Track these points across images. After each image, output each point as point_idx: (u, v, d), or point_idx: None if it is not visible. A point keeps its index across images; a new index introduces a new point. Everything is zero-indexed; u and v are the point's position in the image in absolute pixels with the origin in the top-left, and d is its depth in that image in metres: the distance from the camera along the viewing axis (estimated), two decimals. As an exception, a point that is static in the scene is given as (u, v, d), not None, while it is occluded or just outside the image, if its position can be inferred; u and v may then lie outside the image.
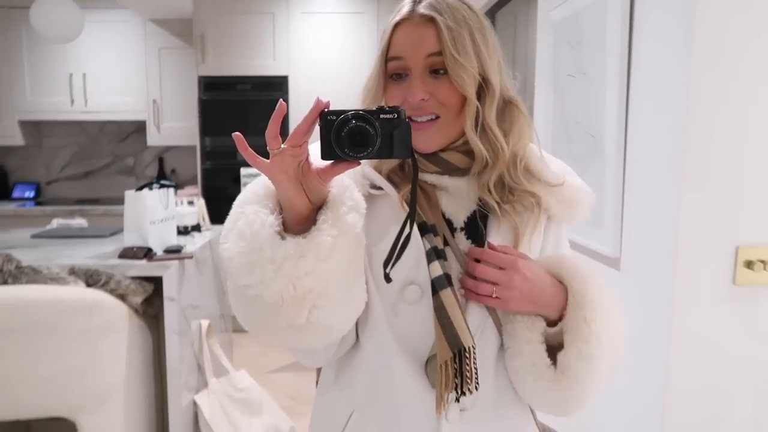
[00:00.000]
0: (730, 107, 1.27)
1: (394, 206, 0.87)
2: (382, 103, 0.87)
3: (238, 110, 3.96)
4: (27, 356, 1.82)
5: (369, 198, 0.86)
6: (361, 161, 0.72)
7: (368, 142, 0.70)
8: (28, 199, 4.47)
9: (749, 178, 1.29)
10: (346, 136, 0.70)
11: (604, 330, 0.83)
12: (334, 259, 0.74)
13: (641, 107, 1.46)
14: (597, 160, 1.62)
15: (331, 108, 0.71)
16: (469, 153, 0.88)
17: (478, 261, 0.84)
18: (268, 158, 0.71)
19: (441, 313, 0.81)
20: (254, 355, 3.50)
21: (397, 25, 0.85)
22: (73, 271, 1.99)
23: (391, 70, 0.86)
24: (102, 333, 1.90)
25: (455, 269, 0.86)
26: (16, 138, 4.30)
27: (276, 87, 3.98)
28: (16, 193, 4.50)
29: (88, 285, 1.98)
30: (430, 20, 0.83)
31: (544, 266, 0.87)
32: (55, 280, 1.90)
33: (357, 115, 0.70)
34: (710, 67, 1.26)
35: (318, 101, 0.70)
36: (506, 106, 0.88)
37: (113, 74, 4.27)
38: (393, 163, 0.88)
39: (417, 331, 0.85)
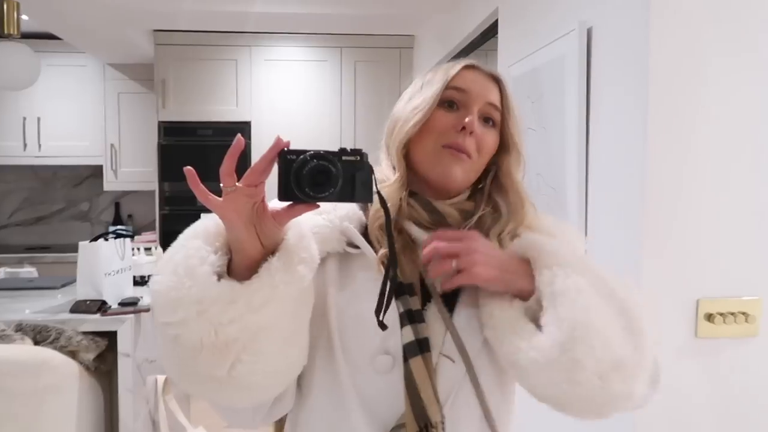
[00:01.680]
0: (689, 159, 1.31)
1: (370, 267, 0.83)
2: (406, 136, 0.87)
3: (199, 155, 3.90)
4: (-34, 421, 1.70)
5: (344, 256, 0.84)
6: (319, 204, 0.69)
7: (330, 182, 0.67)
8: (-26, 246, 4.28)
9: (708, 232, 1.32)
10: (307, 175, 0.67)
11: (580, 277, 0.75)
12: (267, 311, 0.69)
13: (600, 160, 1.49)
14: (558, 213, 1.65)
15: (291, 147, 0.68)
16: (465, 212, 0.88)
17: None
18: (221, 196, 0.68)
19: (409, 384, 0.78)
20: (212, 410, 3.36)
21: (467, 67, 0.89)
22: (20, 328, 1.88)
23: (448, 96, 0.87)
24: (49, 394, 1.79)
25: (437, 331, 0.82)
26: (-37, 183, 4.14)
27: (239, 132, 3.95)
28: (-39, 240, 4.31)
29: (36, 342, 1.87)
30: (495, 79, 0.90)
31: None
32: (0, 338, 1.79)
33: (318, 154, 0.67)
34: (667, 120, 1.30)
35: (278, 140, 0.67)
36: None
37: (69, 118, 4.18)
38: (392, 192, 0.85)
39: (386, 400, 0.81)
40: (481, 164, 0.88)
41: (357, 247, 0.84)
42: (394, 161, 0.89)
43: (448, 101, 0.87)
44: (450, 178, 0.86)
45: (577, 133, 1.54)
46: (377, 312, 0.76)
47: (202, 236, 0.73)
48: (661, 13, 1.29)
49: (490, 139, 0.87)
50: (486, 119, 0.88)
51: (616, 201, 1.43)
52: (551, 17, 1.79)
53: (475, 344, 0.83)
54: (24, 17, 2.70)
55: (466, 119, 0.84)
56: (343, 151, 0.69)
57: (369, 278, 0.82)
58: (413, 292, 0.83)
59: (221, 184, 0.66)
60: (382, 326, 0.76)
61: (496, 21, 2.34)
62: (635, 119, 1.34)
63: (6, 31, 2.48)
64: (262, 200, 0.69)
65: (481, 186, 0.92)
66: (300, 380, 0.87)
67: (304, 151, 0.68)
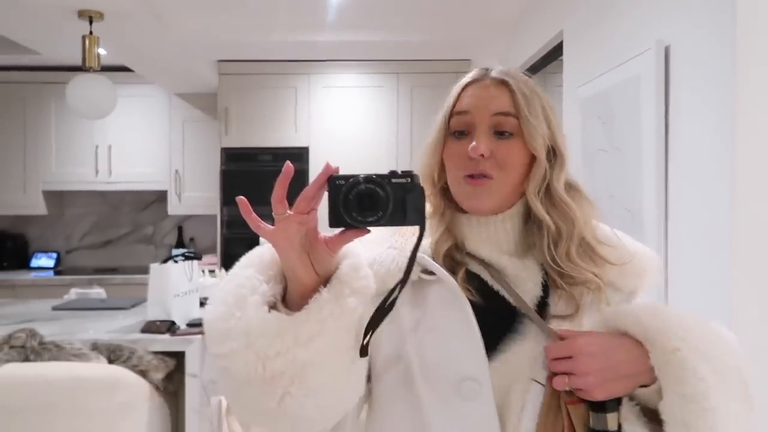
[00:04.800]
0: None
1: (448, 293, 0.81)
2: (434, 164, 0.86)
3: (259, 180, 3.99)
4: (44, 437, 1.75)
5: (419, 283, 0.82)
6: (370, 228, 0.68)
7: (378, 205, 0.66)
8: (46, 268, 4.47)
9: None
10: (354, 199, 0.66)
11: (700, 354, 0.73)
12: (315, 345, 0.68)
13: (682, 184, 1.44)
14: (635, 236, 1.59)
15: (342, 173, 0.67)
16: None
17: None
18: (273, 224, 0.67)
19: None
20: None
21: (467, 85, 0.85)
22: (96, 347, 1.94)
23: (454, 126, 0.84)
24: (122, 412, 1.84)
25: (527, 353, 0.80)
26: (39, 207, 4.35)
27: (297, 158, 4.03)
28: (34, 262, 4.51)
29: (110, 361, 1.93)
30: (502, 83, 0.82)
31: (605, 327, 0.80)
32: (77, 356, 1.86)
33: (367, 178, 0.66)
34: (756, 142, 1.24)
35: (327, 165, 0.67)
36: (568, 189, 0.85)
37: (137, 146, 4.36)
38: (448, 243, 0.84)
39: (474, 427, 0.78)
40: (513, 177, 0.82)
41: (432, 273, 0.82)
42: (428, 195, 0.85)
43: (456, 131, 0.83)
44: (479, 207, 0.84)
45: (656, 155, 1.49)
46: (364, 335, 0.74)
47: (256, 265, 0.73)
48: (748, 29, 1.24)
49: (508, 151, 0.81)
50: (499, 132, 0.81)
51: (701, 226, 1.36)
52: (623, 36, 1.75)
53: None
54: (102, 51, 2.85)
55: (470, 147, 0.80)
56: (393, 174, 0.68)
57: (448, 304, 0.80)
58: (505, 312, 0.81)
59: (273, 212, 0.66)
60: (363, 352, 0.74)
61: (560, 43, 2.32)
62: (721, 141, 1.29)
63: (87, 65, 2.62)
64: (315, 227, 0.68)
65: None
66: (377, 409, 0.85)
67: (352, 176, 0.67)
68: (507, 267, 0.83)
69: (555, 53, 2.45)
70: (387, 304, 0.74)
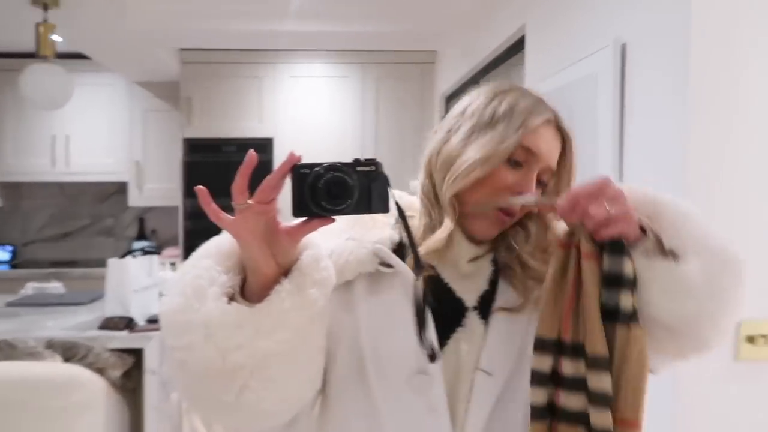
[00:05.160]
0: (730, 180, 1.28)
1: (403, 285, 0.81)
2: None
3: (223, 172, 3.94)
4: (-4, 438, 1.71)
5: (374, 276, 0.82)
6: (335, 217, 0.67)
7: (346, 193, 0.65)
8: (2, 262, 4.34)
9: (750, 252, 1.28)
10: (323, 187, 0.65)
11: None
12: (276, 336, 0.67)
13: (636, 180, 1.47)
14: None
15: (305, 162, 0.66)
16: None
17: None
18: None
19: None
20: (235, 426, 3.34)
21: (546, 123, 0.81)
22: (51, 345, 1.90)
23: (516, 156, 0.80)
24: (78, 411, 1.80)
25: (474, 345, 0.82)
26: (-7, 199, 4.21)
27: (261, 148, 3.98)
28: (-11, 256, 4.38)
29: (66, 359, 1.89)
30: (563, 137, 0.84)
31: None
32: (31, 355, 1.81)
33: (333, 166, 0.65)
34: (707, 139, 1.27)
35: (291, 154, 0.65)
36: None
37: (96, 136, 4.24)
38: (437, 243, 0.82)
39: (425, 420, 0.80)
40: (519, 219, 0.86)
41: (390, 266, 0.82)
42: (445, 208, 0.83)
43: (515, 160, 0.81)
44: (487, 237, 0.85)
45: (611, 152, 1.51)
46: (421, 337, 0.75)
47: (214, 255, 0.71)
48: (702, 29, 1.26)
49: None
50: (538, 180, 0.83)
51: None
52: (583, 33, 1.77)
53: (512, 356, 0.82)
54: (57, 38, 2.75)
55: (525, 191, 0.80)
56: (357, 162, 0.67)
57: (403, 297, 0.81)
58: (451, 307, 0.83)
59: (233, 202, 0.65)
60: (432, 358, 0.75)
61: (523, 36, 2.33)
62: (673, 139, 1.32)
63: (41, 53, 2.53)
64: (276, 217, 0.67)
65: None
66: (330, 402, 0.86)
67: (317, 165, 0.66)
68: (465, 268, 0.86)
69: (518, 46, 2.46)
70: (421, 304, 0.76)
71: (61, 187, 4.51)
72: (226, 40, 3.74)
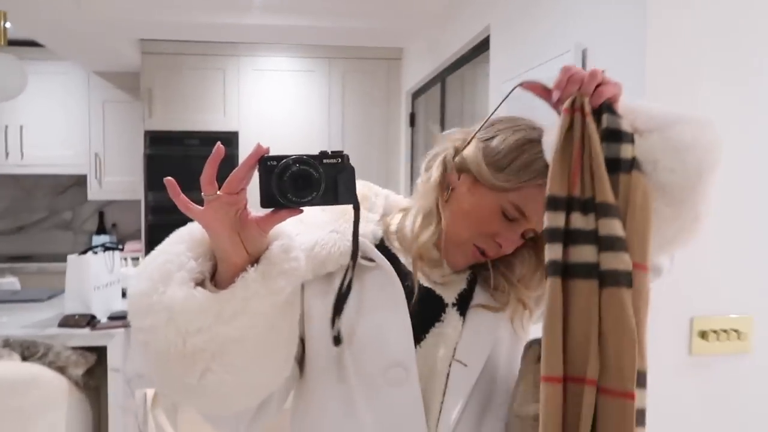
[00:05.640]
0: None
1: (383, 279, 0.84)
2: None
3: (186, 165, 3.87)
4: (-49, 440, 1.66)
5: (358, 269, 0.83)
6: (302, 209, 0.69)
7: (312, 185, 0.67)
8: (-48, 256, 4.19)
9: (702, 250, 1.35)
10: (289, 180, 0.66)
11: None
12: (237, 323, 0.68)
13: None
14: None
15: (272, 154, 0.68)
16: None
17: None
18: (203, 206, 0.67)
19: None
20: (200, 420, 3.32)
21: (540, 185, 0.79)
22: (8, 343, 1.85)
23: (510, 212, 0.83)
24: (38, 411, 1.76)
25: (450, 337, 0.85)
26: (-58, 191, 4.05)
27: (226, 142, 3.81)
28: (-62, 250, 4.21)
29: (24, 358, 1.84)
30: None
31: None
32: (-13, 354, 1.76)
33: (299, 159, 0.67)
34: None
35: (258, 146, 0.67)
36: None
37: (53, 127, 4.12)
38: (428, 240, 0.85)
39: (401, 412, 0.82)
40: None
41: (371, 260, 0.85)
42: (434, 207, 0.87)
43: (505, 212, 0.83)
44: (456, 267, 0.89)
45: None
46: (332, 322, 0.79)
47: (187, 242, 0.72)
48: (658, 35, 1.31)
49: (518, 251, 0.88)
50: (523, 235, 0.85)
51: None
52: (545, 37, 1.81)
53: (486, 348, 0.86)
54: (8, 25, 2.66)
55: (505, 246, 0.84)
56: (323, 154, 0.69)
57: (383, 291, 0.84)
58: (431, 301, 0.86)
59: (202, 193, 0.66)
60: (336, 341, 0.79)
61: (488, 36, 2.37)
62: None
63: (-7, 41, 2.45)
64: (245, 207, 0.68)
65: None
66: (305, 390, 0.87)
67: (284, 157, 0.67)
68: (441, 281, 0.89)
69: (483, 46, 2.50)
70: (344, 288, 0.78)
71: (15, 179, 4.37)
72: (189, 32, 3.68)
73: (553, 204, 0.72)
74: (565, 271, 0.71)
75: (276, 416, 0.86)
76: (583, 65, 1.55)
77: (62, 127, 4.14)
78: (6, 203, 4.42)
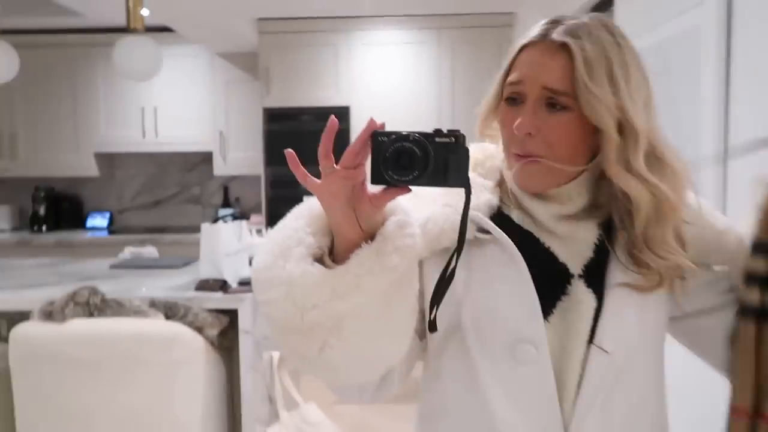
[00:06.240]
0: None
1: (503, 252, 0.80)
2: (491, 128, 0.85)
3: (302, 140, 4.01)
4: (109, 388, 1.86)
5: (473, 242, 0.81)
6: (411, 187, 0.66)
7: (414, 164, 0.63)
8: (101, 228, 4.65)
9: None
10: (391, 156, 0.64)
11: None
12: (352, 299, 0.67)
13: (743, 140, 1.38)
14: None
15: (386, 129, 0.66)
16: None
17: None
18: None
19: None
20: (321, 386, 3.48)
21: (524, 47, 0.79)
22: (153, 304, 2.03)
23: (507, 93, 0.81)
24: (180, 365, 1.93)
25: (584, 316, 0.80)
26: (91, 169, 4.50)
27: (338, 117, 3.99)
28: (89, 222, 4.69)
29: (167, 317, 2.02)
30: (562, 47, 0.76)
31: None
32: (137, 313, 1.95)
33: (406, 135, 0.64)
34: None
35: (371, 121, 0.65)
36: (656, 162, 0.78)
37: (182, 107, 4.43)
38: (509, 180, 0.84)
39: (532, 390, 0.79)
40: (567, 155, 0.78)
41: (487, 232, 0.81)
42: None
43: (509, 97, 0.80)
44: (528, 188, 0.82)
45: (716, 117, 1.43)
46: (430, 309, 0.76)
47: (306, 217, 0.73)
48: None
49: (559, 127, 0.76)
50: (551, 104, 0.77)
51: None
52: (681, -14, 1.66)
53: (632, 333, 0.80)
54: (145, 12, 2.87)
55: (515, 124, 0.77)
56: (438, 132, 0.65)
57: (503, 264, 0.80)
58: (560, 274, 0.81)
59: (320, 166, 0.66)
60: (432, 327, 0.75)
61: (612, -7, 2.22)
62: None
63: (132, 26, 2.66)
64: (362, 183, 0.67)
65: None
66: (432, 368, 0.87)
67: (395, 133, 0.65)
68: (558, 229, 0.83)
69: (606, 3, 2.34)
70: (447, 275, 0.74)
71: (151, 157, 4.76)
72: (302, 8, 3.78)
73: (758, 248, 0.75)
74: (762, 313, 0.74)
75: (400, 387, 0.86)
76: (729, 13, 1.41)
77: (190, 107, 4.43)
78: (143, 179, 4.83)
